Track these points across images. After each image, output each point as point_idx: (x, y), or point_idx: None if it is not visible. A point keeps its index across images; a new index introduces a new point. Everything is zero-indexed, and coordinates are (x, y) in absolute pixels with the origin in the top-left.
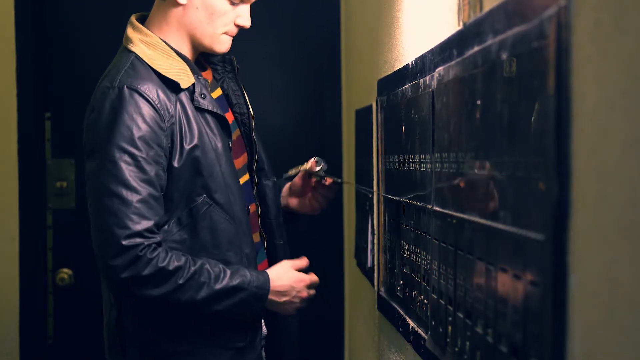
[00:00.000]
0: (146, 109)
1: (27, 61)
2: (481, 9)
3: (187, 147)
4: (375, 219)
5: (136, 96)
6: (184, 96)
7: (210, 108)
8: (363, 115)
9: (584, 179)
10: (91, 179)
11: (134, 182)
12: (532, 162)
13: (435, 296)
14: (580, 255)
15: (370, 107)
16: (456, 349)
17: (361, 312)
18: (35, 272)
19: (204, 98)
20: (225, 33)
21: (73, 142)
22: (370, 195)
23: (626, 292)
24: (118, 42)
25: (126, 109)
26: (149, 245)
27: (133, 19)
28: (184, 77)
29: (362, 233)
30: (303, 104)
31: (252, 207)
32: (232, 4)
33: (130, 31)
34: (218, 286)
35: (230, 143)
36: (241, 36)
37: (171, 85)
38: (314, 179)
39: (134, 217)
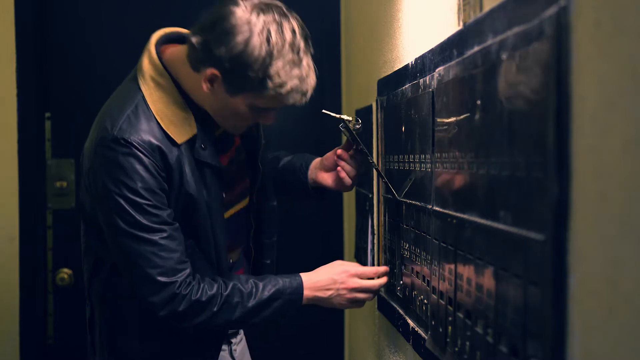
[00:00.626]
0: (145, 160)
1: (28, 61)
2: (481, 8)
3: (180, 195)
4: (375, 219)
5: (135, 150)
6: (184, 145)
7: (208, 160)
8: (363, 115)
9: (583, 178)
10: (108, 225)
11: (153, 226)
12: (532, 162)
13: (435, 296)
14: (580, 255)
15: (370, 107)
16: (456, 349)
17: (361, 312)
18: (35, 272)
19: (204, 149)
20: (244, 126)
21: (73, 142)
22: (370, 196)
23: (626, 292)
24: (117, 44)
25: (127, 160)
26: (184, 281)
27: (152, 44)
28: (186, 127)
29: (362, 233)
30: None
31: (240, 222)
32: (258, 111)
33: (145, 62)
34: (251, 303)
35: (224, 194)
36: None
37: (171, 138)
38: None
39: (162, 253)
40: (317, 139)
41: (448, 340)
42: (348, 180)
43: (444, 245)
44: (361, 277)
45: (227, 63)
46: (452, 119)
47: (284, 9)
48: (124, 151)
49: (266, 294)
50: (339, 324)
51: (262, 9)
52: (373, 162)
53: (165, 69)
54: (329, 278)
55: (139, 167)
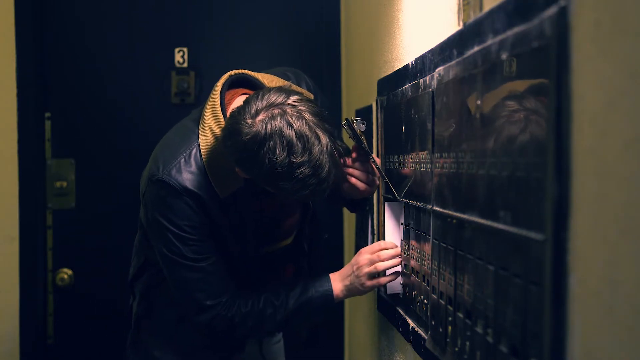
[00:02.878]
0: (190, 200)
1: (28, 61)
2: (481, 8)
3: (213, 242)
4: (375, 219)
5: (184, 196)
6: (228, 197)
7: (246, 213)
8: (363, 115)
9: (583, 178)
10: (160, 254)
11: (198, 255)
12: (531, 162)
13: (435, 296)
14: (580, 254)
15: (370, 107)
16: (456, 349)
17: (361, 312)
18: (35, 272)
19: (246, 202)
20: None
21: (73, 142)
22: (370, 196)
23: (626, 292)
24: (117, 44)
25: (173, 200)
26: (227, 302)
27: (217, 92)
28: (232, 182)
29: (362, 233)
30: None
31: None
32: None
33: (208, 111)
34: (283, 313)
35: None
36: (240, 35)
37: (214, 190)
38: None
39: (209, 278)
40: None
41: (448, 340)
42: (361, 185)
43: (444, 245)
44: (370, 252)
45: (246, 168)
46: (452, 119)
47: (291, 108)
48: (171, 192)
49: (296, 303)
50: (339, 324)
51: (275, 115)
52: (375, 162)
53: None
54: (349, 265)
55: (184, 207)
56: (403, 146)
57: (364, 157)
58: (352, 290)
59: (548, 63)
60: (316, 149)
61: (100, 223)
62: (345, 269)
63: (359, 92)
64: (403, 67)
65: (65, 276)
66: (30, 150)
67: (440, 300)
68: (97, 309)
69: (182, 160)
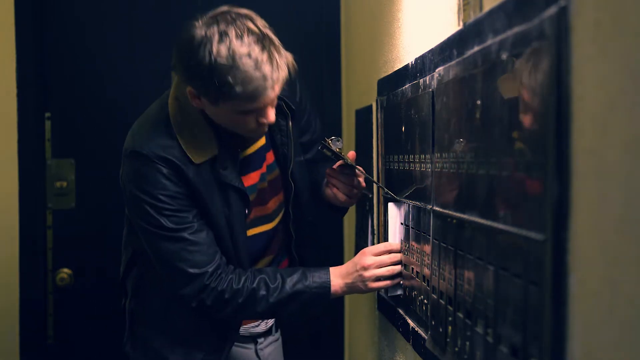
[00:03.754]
0: (164, 170)
1: (28, 61)
2: (481, 8)
3: (199, 210)
4: (375, 219)
5: (153, 163)
6: (205, 164)
7: (227, 181)
8: (363, 115)
9: (583, 178)
10: (139, 227)
11: (178, 226)
12: (532, 161)
13: (435, 296)
14: (580, 254)
15: (370, 107)
16: (456, 349)
17: (361, 312)
18: (35, 272)
19: (224, 169)
20: (251, 131)
21: (73, 142)
22: (370, 196)
23: (626, 292)
24: (117, 44)
25: (148, 170)
26: (214, 272)
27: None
28: (207, 149)
29: (362, 233)
30: None
31: (277, 235)
32: (246, 113)
33: (174, 84)
34: (277, 297)
35: (246, 211)
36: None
37: (189, 157)
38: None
39: (190, 247)
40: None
41: (448, 340)
42: (341, 196)
43: (444, 245)
44: (375, 253)
45: (194, 79)
46: (452, 119)
47: (234, 14)
48: (144, 162)
49: (291, 289)
50: (339, 324)
51: (217, 20)
52: (364, 173)
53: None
54: (352, 263)
55: (158, 176)
56: (403, 146)
57: (348, 170)
58: (352, 289)
59: (548, 63)
60: (255, 42)
61: (100, 223)
62: (348, 267)
63: (359, 92)
64: (403, 67)
65: (65, 276)
66: (30, 150)
67: (441, 300)
68: (97, 308)
69: (154, 130)
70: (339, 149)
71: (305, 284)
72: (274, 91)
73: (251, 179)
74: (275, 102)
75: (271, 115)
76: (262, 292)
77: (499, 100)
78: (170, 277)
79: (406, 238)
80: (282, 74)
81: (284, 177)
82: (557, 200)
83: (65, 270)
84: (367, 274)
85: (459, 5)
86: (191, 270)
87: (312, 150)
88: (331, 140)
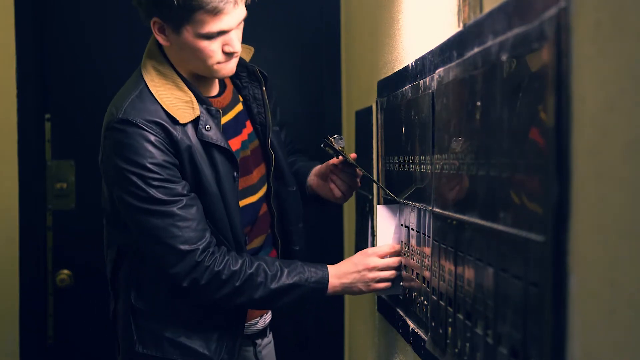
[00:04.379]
0: (151, 137)
1: (27, 62)
2: (481, 10)
3: (189, 172)
4: (376, 220)
5: (140, 129)
6: (189, 128)
7: (213, 141)
8: (363, 116)
9: (583, 180)
10: (125, 205)
11: (167, 198)
12: (532, 163)
13: (435, 297)
14: (580, 256)
15: (370, 108)
16: (456, 350)
17: (361, 314)
18: (36, 273)
19: (208, 130)
20: (217, 62)
21: (73, 143)
22: (370, 197)
23: (626, 293)
24: (117, 45)
25: (134, 139)
26: (206, 250)
27: (152, 41)
28: (188, 110)
29: (362, 234)
30: (303, 105)
31: (261, 213)
32: (210, 38)
33: (146, 55)
34: (274, 285)
35: (235, 174)
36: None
37: (175, 119)
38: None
39: (180, 223)
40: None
41: (448, 341)
42: (337, 192)
43: (444, 246)
44: (379, 255)
45: (153, 3)
46: (452, 121)
47: None
48: (130, 131)
49: (290, 280)
50: (339, 325)
51: None
52: (365, 173)
53: (166, 58)
54: (351, 263)
55: (146, 144)
56: (403, 147)
57: (349, 169)
58: (349, 290)
59: (548, 64)
60: None
61: (100, 224)
62: (347, 266)
63: (359, 93)
64: (403, 68)
65: (65, 277)
66: (30, 152)
67: (440, 302)
68: (96, 309)
69: (134, 98)
70: (341, 147)
71: (304, 278)
72: (236, 8)
73: (233, 145)
74: (240, 29)
75: (236, 42)
76: (260, 278)
77: (499, 101)
78: (159, 255)
79: (406, 239)
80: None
81: (263, 148)
82: (557, 201)
83: (65, 271)
84: (371, 275)
85: (459, 6)
86: (182, 247)
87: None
88: (334, 138)
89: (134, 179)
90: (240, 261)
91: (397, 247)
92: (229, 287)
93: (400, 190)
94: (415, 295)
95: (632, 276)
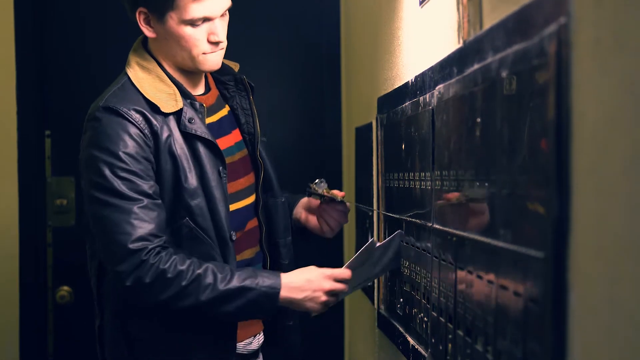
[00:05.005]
0: (130, 127)
1: (28, 79)
2: (481, 26)
3: (169, 165)
4: (375, 237)
5: (119, 115)
6: (171, 120)
7: (197, 133)
8: (363, 132)
9: (584, 196)
10: (87, 197)
11: (130, 193)
12: (532, 179)
13: (435, 314)
14: (580, 272)
15: (370, 124)
16: None
17: (361, 330)
18: (35, 289)
19: (191, 123)
20: (203, 53)
21: (73, 159)
22: (370, 213)
23: (626, 310)
24: (118, 61)
25: (111, 127)
26: (153, 249)
27: (138, 40)
28: (171, 101)
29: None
30: (303, 121)
31: (251, 224)
32: (194, 25)
33: (131, 54)
34: (223, 287)
35: (221, 168)
36: (240, 53)
37: (157, 108)
38: (317, 201)
39: (135, 222)
40: (317, 157)
41: (448, 358)
42: (326, 228)
43: (444, 262)
44: (336, 278)
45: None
46: (453, 137)
47: None
48: (110, 119)
49: (240, 282)
50: (338, 341)
51: None
52: (361, 206)
53: (150, 54)
54: (305, 279)
55: (123, 134)
56: (403, 164)
57: (340, 206)
58: (297, 305)
59: (548, 81)
60: None
61: None
62: (301, 282)
63: (359, 109)
64: (403, 84)
65: (65, 294)
66: (30, 168)
67: (440, 318)
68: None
69: (116, 89)
70: (325, 190)
71: (255, 282)
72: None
73: (222, 144)
74: (225, 21)
75: (221, 32)
76: (209, 279)
77: (499, 118)
78: (107, 251)
79: (406, 255)
80: None
81: (252, 158)
82: (557, 217)
83: (65, 287)
84: (324, 298)
85: (459, 22)
86: (130, 245)
87: None
88: (315, 184)
89: (102, 167)
90: (188, 261)
91: (349, 273)
92: (175, 287)
93: (401, 206)
94: (415, 312)
95: (632, 293)
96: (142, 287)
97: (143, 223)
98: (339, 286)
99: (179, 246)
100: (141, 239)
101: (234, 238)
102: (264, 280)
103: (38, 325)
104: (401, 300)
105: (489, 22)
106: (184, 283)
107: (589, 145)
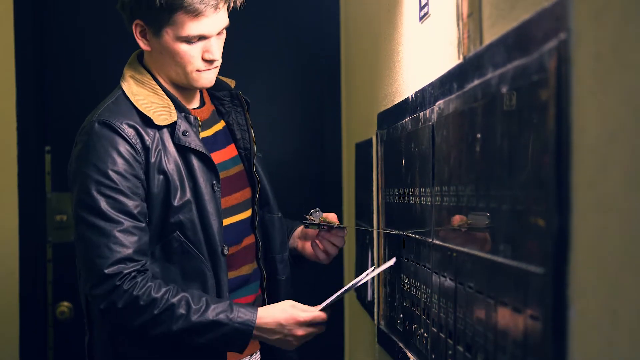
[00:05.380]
0: (121, 143)
1: (28, 94)
2: (481, 42)
3: (160, 179)
4: (375, 253)
5: (111, 130)
6: (165, 133)
7: (191, 146)
8: (363, 148)
9: (583, 212)
10: (73, 212)
11: (112, 214)
12: (532, 195)
13: (435, 329)
14: (580, 288)
15: (370, 140)
16: None
17: (361, 346)
18: (36, 305)
19: (185, 135)
20: (197, 70)
21: None
22: (371, 229)
23: (626, 326)
24: (119, 77)
25: (101, 143)
26: (129, 274)
27: (133, 55)
28: (166, 114)
29: (362, 267)
30: (303, 137)
31: (248, 240)
32: (190, 42)
33: (126, 68)
34: (197, 319)
35: (215, 182)
36: (240, 69)
37: (149, 121)
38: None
39: (114, 246)
40: (317, 173)
41: None
42: (322, 256)
43: (444, 278)
44: (309, 323)
45: (135, 3)
46: (452, 153)
47: None
48: (101, 134)
49: (214, 316)
50: (339, 357)
51: None
52: (358, 227)
53: (145, 68)
54: (276, 322)
55: (112, 150)
56: (403, 180)
57: (339, 232)
58: (269, 341)
59: (548, 97)
60: None
61: None
62: (272, 324)
63: (359, 125)
64: (403, 100)
65: (65, 310)
66: (30, 184)
67: (441, 334)
68: None
69: (110, 103)
70: (322, 219)
71: (230, 317)
72: (217, 13)
73: (216, 158)
74: (222, 39)
75: (216, 50)
76: (182, 310)
77: (499, 133)
78: (85, 272)
79: (406, 271)
80: None
81: (248, 173)
82: (557, 233)
83: (65, 303)
84: (295, 342)
85: (459, 38)
86: (106, 270)
87: None
88: (311, 214)
89: (89, 184)
90: (164, 289)
91: (324, 316)
92: (148, 314)
93: (401, 222)
94: (415, 327)
95: (632, 309)
96: (115, 312)
97: (121, 247)
98: (313, 330)
99: (170, 261)
100: (118, 262)
101: (225, 252)
102: (239, 315)
103: (38, 340)
104: (401, 316)
105: (489, 37)
106: (156, 311)
107: (589, 160)
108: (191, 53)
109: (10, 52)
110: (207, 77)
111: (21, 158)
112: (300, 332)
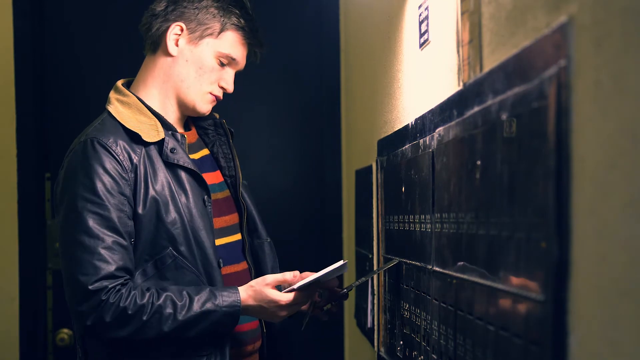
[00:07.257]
0: (107, 160)
1: (27, 121)
2: (481, 69)
3: (149, 196)
4: (375, 279)
5: (98, 148)
6: (152, 150)
7: (179, 163)
8: (363, 175)
9: (584, 239)
10: (59, 230)
11: (97, 230)
12: (532, 222)
13: (435, 356)
14: (580, 315)
15: (370, 167)
16: None
17: None
18: (35, 332)
19: (174, 153)
20: (210, 93)
21: None
22: (370, 256)
23: (626, 353)
24: None
25: (88, 161)
26: (113, 288)
27: (118, 82)
28: (153, 132)
29: (362, 293)
30: (303, 164)
31: (241, 266)
32: (221, 64)
33: (111, 93)
34: (185, 314)
35: (206, 197)
36: (241, 97)
37: (137, 138)
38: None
39: (98, 263)
40: (317, 200)
41: None
42: (323, 317)
43: (444, 305)
44: (287, 306)
45: (187, 4)
46: (453, 179)
47: None
48: (87, 152)
49: (200, 307)
50: None
51: None
52: (359, 283)
53: (131, 92)
54: (260, 307)
55: (98, 168)
56: (403, 206)
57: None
58: (263, 314)
59: (548, 123)
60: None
61: None
62: (256, 293)
63: (359, 152)
64: (403, 127)
65: (65, 336)
66: (30, 211)
67: None
68: None
69: (97, 125)
70: (325, 298)
71: (216, 303)
72: (246, 52)
73: (205, 179)
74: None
75: (231, 82)
76: (169, 309)
77: (499, 160)
78: (69, 289)
79: (406, 298)
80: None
81: (234, 199)
82: (557, 260)
83: (65, 330)
84: (280, 313)
85: (458, 65)
86: (91, 287)
87: None
88: (316, 298)
89: (76, 200)
90: (147, 293)
91: (300, 296)
92: (137, 322)
93: (401, 249)
94: (415, 354)
95: (632, 336)
96: (103, 326)
97: (106, 265)
98: (296, 308)
99: (163, 278)
100: (102, 278)
101: (221, 265)
102: (224, 300)
103: None
104: (401, 342)
105: (489, 64)
106: (144, 317)
107: (589, 188)
108: (217, 73)
109: (10, 77)
110: (208, 105)
111: (21, 185)
112: (282, 312)
